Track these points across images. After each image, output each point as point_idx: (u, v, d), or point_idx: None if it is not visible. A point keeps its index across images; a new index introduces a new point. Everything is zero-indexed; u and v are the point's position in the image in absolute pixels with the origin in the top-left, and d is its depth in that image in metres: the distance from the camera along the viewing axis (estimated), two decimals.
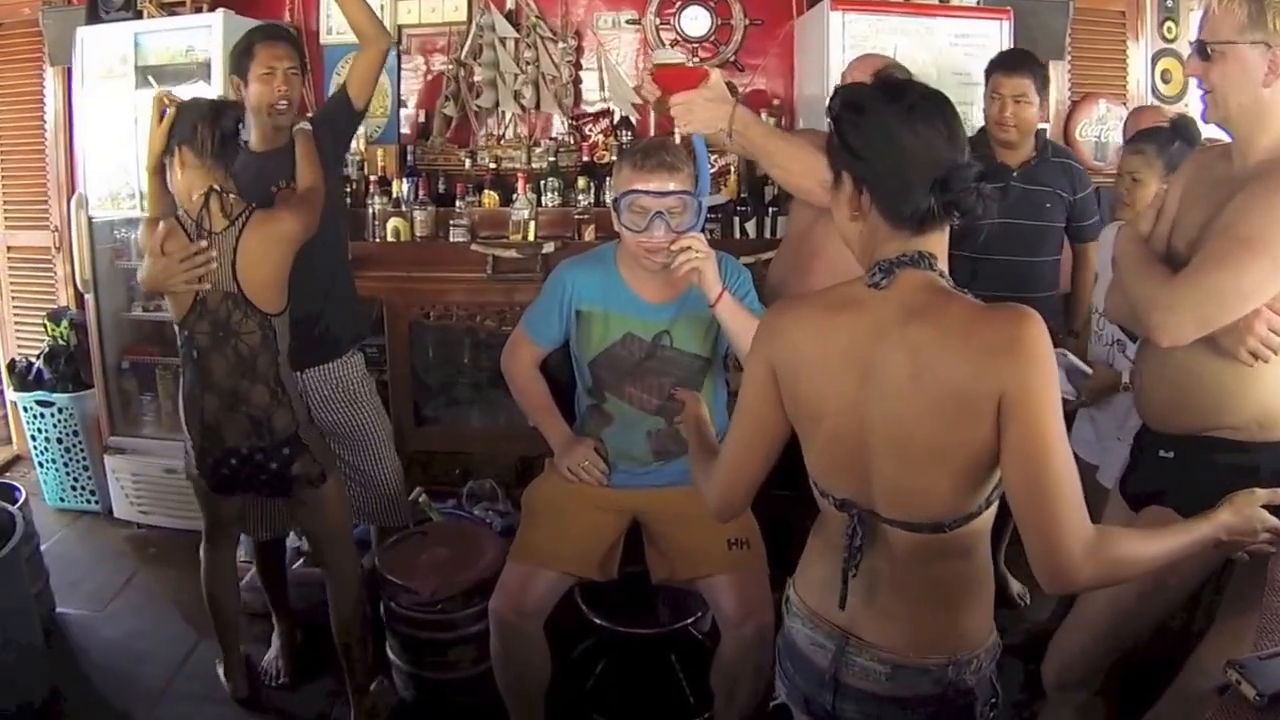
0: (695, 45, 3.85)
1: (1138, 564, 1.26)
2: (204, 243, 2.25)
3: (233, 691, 2.72)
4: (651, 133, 3.68)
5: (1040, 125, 3.80)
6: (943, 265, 1.32)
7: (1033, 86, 2.87)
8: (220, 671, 2.75)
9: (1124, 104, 4.11)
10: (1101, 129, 4.10)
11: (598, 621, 2.40)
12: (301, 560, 3.11)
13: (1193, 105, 4.07)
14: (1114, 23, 4.17)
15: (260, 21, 3.53)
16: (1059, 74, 4.05)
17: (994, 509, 1.32)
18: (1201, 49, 1.65)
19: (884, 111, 1.29)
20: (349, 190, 3.73)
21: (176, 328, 2.36)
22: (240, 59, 2.62)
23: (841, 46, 3.38)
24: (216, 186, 2.27)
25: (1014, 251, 2.86)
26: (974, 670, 1.37)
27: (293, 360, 2.50)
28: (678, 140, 2.09)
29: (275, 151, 2.64)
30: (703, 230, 2.17)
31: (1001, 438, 1.21)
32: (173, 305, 2.34)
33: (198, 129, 2.23)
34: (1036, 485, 1.18)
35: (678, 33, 3.86)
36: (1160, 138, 2.52)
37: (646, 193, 2.11)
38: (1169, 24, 4.20)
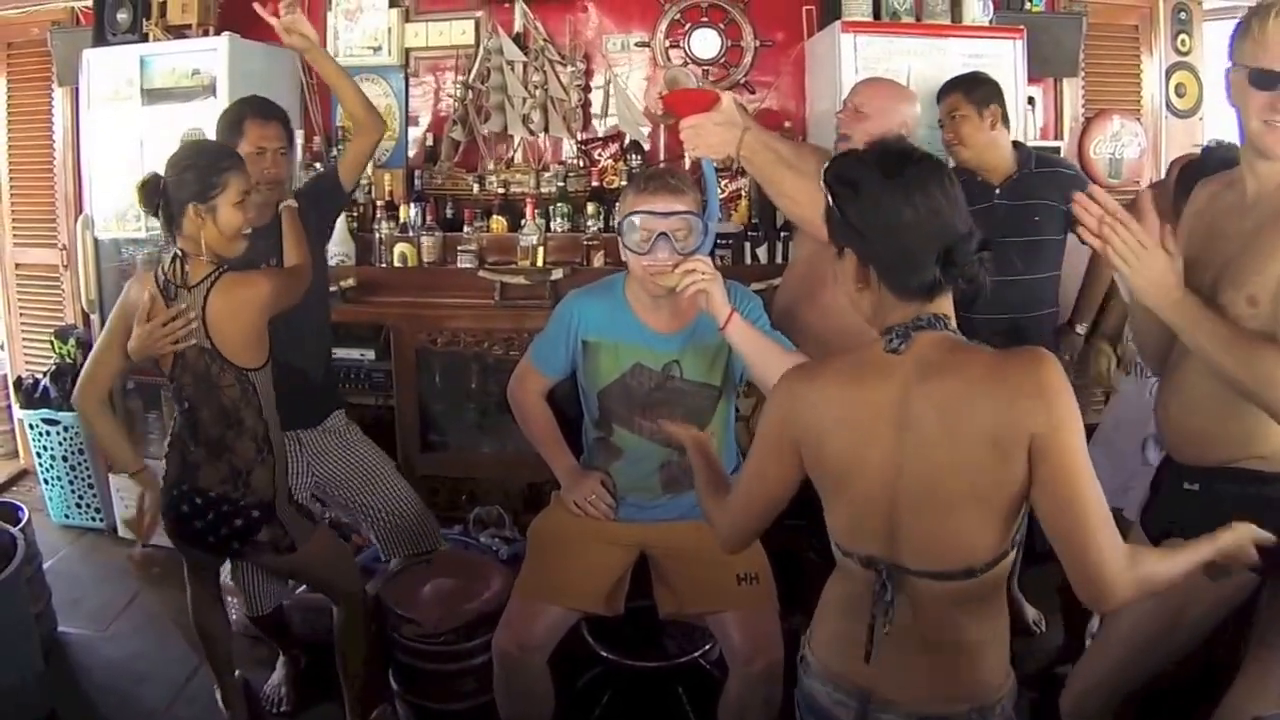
0: (705, 67, 3.81)
1: (1161, 581, 1.32)
2: (183, 304, 2.21)
3: (231, 718, 2.70)
4: (661, 157, 3.66)
5: (1057, 144, 3.83)
6: (954, 323, 1.35)
7: (963, 99, 2.88)
8: (218, 698, 2.73)
9: (1138, 119, 4.07)
10: (1116, 145, 4.05)
11: (604, 653, 2.38)
12: (305, 586, 3.10)
13: (1208, 119, 4.06)
14: (1127, 37, 4.12)
15: (265, 45, 3.54)
16: (1073, 91, 4.03)
17: (1018, 548, 1.37)
18: (1271, 79, 1.56)
19: (882, 188, 1.30)
20: (355, 214, 3.74)
21: (168, 380, 2.35)
22: (229, 133, 2.58)
23: (854, 69, 3.34)
24: (179, 250, 2.22)
25: (1006, 271, 2.80)
26: (998, 715, 1.40)
27: (287, 421, 2.51)
28: (688, 164, 2.06)
29: (261, 230, 2.56)
30: (712, 255, 2.13)
31: (1033, 475, 1.26)
32: (160, 363, 2.32)
33: (150, 203, 2.22)
34: (1072, 516, 1.25)
35: (687, 54, 3.82)
36: (1209, 166, 2.46)
37: (650, 213, 2.09)
38: (1182, 37, 4.15)
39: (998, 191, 2.87)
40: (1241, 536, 1.41)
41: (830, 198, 1.36)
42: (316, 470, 2.77)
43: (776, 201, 2.13)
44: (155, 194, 2.18)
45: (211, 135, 3.05)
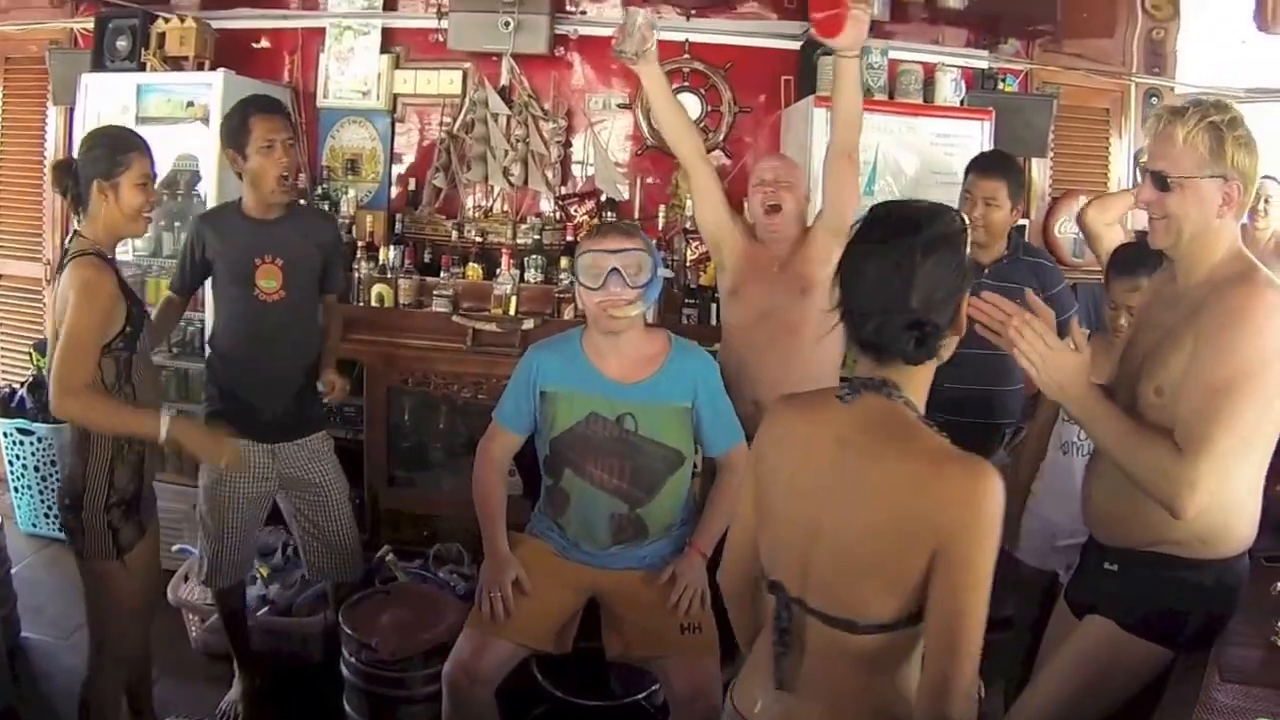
0: None
1: None
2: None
3: None
4: (636, 215, 3.74)
5: (1020, 223, 3.92)
6: (912, 395, 1.40)
7: (1005, 190, 2.92)
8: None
9: None
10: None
11: (552, 691, 2.43)
12: (267, 608, 3.16)
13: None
14: (1098, 119, 4.24)
15: (259, 83, 3.62)
16: (1041, 171, 4.12)
17: (913, 636, 1.36)
18: (1160, 180, 1.67)
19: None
20: None
21: None
22: (236, 134, 2.64)
23: (825, 141, 3.39)
24: (75, 230, 2.32)
25: (985, 345, 2.91)
26: None
27: (279, 434, 2.72)
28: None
29: (267, 223, 2.70)
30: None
31: (932, 575, 1.28)
32: None
33: (60, 183, 2.32)
34: (949, 633, 1.28)
35: None
36: (1150, 263, 2.31)
37: (601, 251, 2.26)
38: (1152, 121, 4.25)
39: (985, 272, 2.94)
40: None
41: None
42: (284, 474, 2.83)
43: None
44: (66, 175, 2.29)
45: (204, 162, 3.14)
